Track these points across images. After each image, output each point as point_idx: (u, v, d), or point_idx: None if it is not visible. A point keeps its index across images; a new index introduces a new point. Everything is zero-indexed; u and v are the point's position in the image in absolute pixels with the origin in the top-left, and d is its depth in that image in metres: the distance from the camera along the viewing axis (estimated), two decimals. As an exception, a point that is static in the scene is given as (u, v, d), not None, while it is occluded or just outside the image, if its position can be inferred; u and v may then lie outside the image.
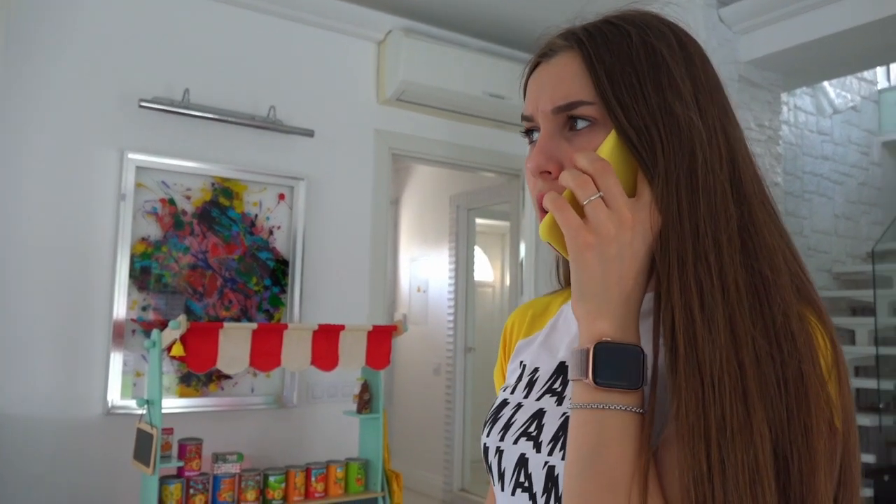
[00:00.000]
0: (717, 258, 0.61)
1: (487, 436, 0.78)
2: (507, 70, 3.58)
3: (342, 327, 2.73)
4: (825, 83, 5.04)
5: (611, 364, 0.60)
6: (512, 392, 0.80)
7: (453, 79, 3.42)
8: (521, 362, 0.83)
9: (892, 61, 4.97)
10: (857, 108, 5.51)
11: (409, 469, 5.03)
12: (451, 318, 5.18)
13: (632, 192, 0.64)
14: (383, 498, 2.82)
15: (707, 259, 0.61)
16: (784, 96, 4.43)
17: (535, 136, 0.74)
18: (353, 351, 2.75)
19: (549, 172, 0.70)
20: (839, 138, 5.29)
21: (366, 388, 2.91)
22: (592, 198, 0.62)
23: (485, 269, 6.68)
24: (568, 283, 0.88)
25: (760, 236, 0.64)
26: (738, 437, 0.56)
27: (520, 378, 0.81)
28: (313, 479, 2.72)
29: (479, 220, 5.50)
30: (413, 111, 3.56)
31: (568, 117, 0.69)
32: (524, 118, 0.74)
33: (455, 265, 5.22)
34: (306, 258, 3.20)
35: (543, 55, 0.73)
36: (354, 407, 2.92)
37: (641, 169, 0.65)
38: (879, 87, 5.77)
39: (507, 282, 6.39)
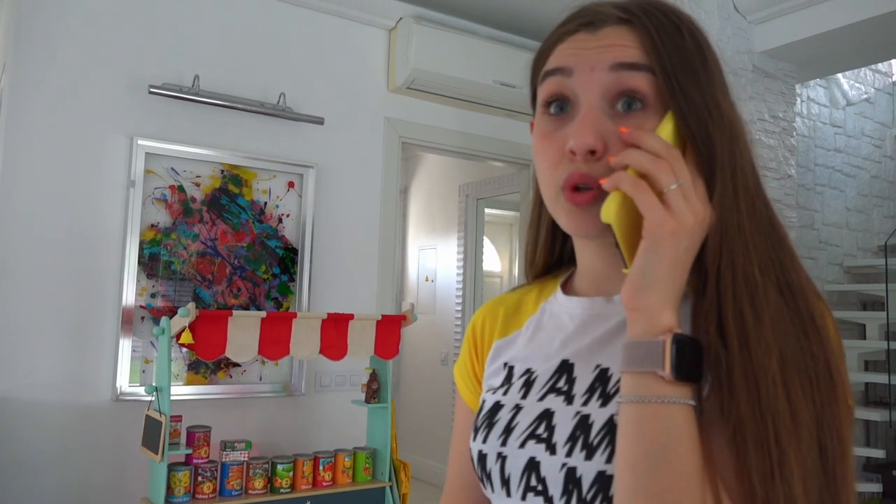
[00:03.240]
0: (758, 256, 0.62)
1: (484, 441, 0.73)
2: (517, 59, 3.54)
3: (351, 316, 2.72)
4: (839, 75, 4.99)
5: (686, 356, 0.59)
6: (504, 394, 0.76)
7: (463, 67, 3.40)
8: (506, 364, 0.79)
9: (908, 53, 4.90)
10: (871, 100, 5.45)
11: (416, 458, 5.03)
12: (459, 307, 5.17)
13: None
14: (391, 488, 2.82)
15: (753, 258, 0.61)
16: (797, 88, 4.38)
17: (556, 110, 0.69)
18: (361, 340, 2.74)
19: (593, 152, 0.65)
20: (852, 130, 5.25)
21: (374, 377, 2.90)
22: (674, 186, 0.60)
23: (493, 259, 6.66)
24: (537, 277, 0.85)
25: (781, 234, 0.65)
26: (791, 433, 0.57)
27: (509, 379, 0.77)
28: (321, 467, 2.72)
29: (487, 210, 5.48)
30: (423, 99, 3.54)
31: (619, 92, 0.65)
32: (555, 72, 0.68)
33: (463, 255, 5.21)
34: (315, 246, 3.19)
35: (587, 24, 0.68)
36: (363, 396, 2.91)
37: (695, 160, 0.63)
38: (894, 79, 5.70)
39: (515, 272, 6.38)
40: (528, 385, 0.75)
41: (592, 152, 0.65)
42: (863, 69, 5.28)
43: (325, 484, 2.72)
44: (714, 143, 0.63)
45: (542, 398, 0.72)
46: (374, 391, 2.89)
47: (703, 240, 0.62)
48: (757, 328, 0.59)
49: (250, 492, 2.58)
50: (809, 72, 3.86)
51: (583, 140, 0.64)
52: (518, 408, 0.73)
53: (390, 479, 2.83)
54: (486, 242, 5.73)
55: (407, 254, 5.87)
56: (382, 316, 2.80)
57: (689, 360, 0.59)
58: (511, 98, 3.56)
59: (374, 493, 2.79)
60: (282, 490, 2.62)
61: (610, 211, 0.62)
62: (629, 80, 0.65)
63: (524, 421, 0.72)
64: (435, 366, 5.33)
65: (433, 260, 5.56)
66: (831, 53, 3.51)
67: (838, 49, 3.43)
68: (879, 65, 5.44)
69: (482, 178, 5.12)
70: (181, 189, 2.91)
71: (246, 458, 2.60)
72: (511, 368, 0.78)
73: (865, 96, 5.39)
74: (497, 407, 0.75)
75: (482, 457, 0.73)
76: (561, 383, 0.72)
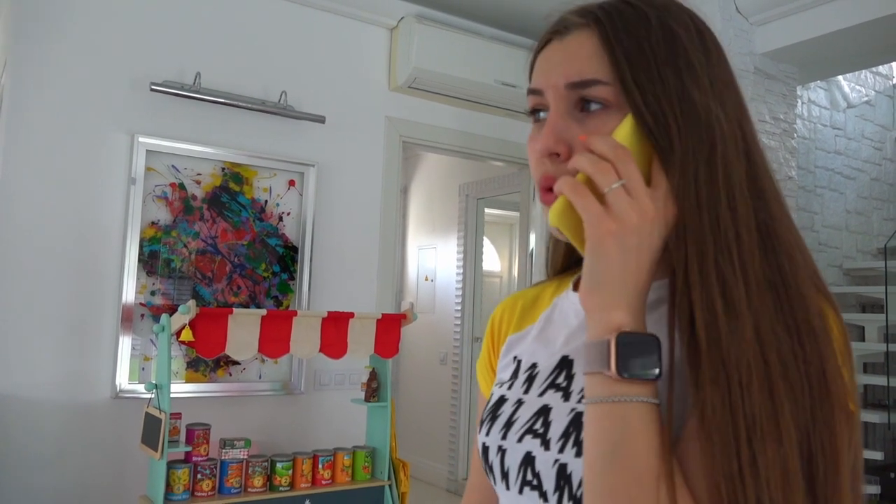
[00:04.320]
0: (738, 252, 0.60)
1: (487, 434, 0.75)
2: (518, 58, 3.54)
3: (351, 315, 2.72)
4: (840, 77, 4.99)
5: (633, 355, 0.58)
6: (509, 388, 0.77)
7: (465, 66, 3.40)
8: (516, 357, 0.80)
9: (909, 56, 4.91)
10: (872, 102, 5.45)
11: (414, 458, 5.03)
12: (459, 307, 5.17)
13: (646, 181, 0.62)
14: (390, 486, 2.82)
15: (729, 252, 0.59)
16: (798, 90, 4.39)
17: (542, 115, 0.72)
18: (361, 339, 2.74)
19: (558, 154, 0.67)
20: (852, 133, 5.25)
21: (374, 376, 2.90)
22: (615, 185, 0.60)
23: (492, 259, 6.66)
24: (557, 273, 0.86)
25: (777, 231, 0.63)
26: (768, 435, 0.55)
27: (515, 374, 0.79)
28: (320, 466, 2.72)
29: (487, 210, 5.48)
30: (424, 99, 3.54)
31: (580, 98, 0.67)
32: (531, 92, 0.72)
33: (463, 255, 5.21)
34: (315, 245, 3.19)
35: (556, 32, 0.70)
36: (362, 395, 2.91)
37: (657, 157, 0.63)
38: (895, 81, 5.71)
39: (515, 272, 6.38)
40: (530, 380, 0.76)
41: (557, 154, 0.67)
42: (863, 71, 5.28)
43: (324, 482, 2.72)
44: (673, 138, 0.62)
45: (542, 393, 0.73)
46: (373, 390, 2.89)
47: (664, 237, 0.61)
48: (730, 324, 0.57)
49: (249, 490, 2.58)
50: (810, 74, 3.86)
51: (542, 144, 0.68)
52: (520, 402, 0.74)
53: (389, 478, 2.83)
54: (486, 242, 5.73)
55: (407, 253, 5.87)
56: (382, 315, 2.80)
57: (638, 358, 0.58)
58: (512, 98, 3.56)
59: (374, 492, 2.79)
60: (281, 488, 2.62)
61: (554, 214, 0.64)
62: (586, 92, 0.66)
63: (524, 415, 0.73)
64: (434, 365, 5.33)
65: (433, 259, 5.56)
66: (832, 55, 3.51)
67: (839, 51, 3.43)
68: (880, 67, 5.44)
69: (482, 177, 5.12)
70: (182, 187, 2.91)
71: (245, 456, 2.60)
72: (519, 363, 0.79)
73: (866, 99, 5.39)
74: (501, 401, 0.77)
75: (486, 449, 0.74)
76: (560, 379, 0.73)
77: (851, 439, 0.59)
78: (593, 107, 0.66)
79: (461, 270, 5.20)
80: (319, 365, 3.16)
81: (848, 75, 5.10)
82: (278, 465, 2.63)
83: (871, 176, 5.36)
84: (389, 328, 2.81)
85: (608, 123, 0.65)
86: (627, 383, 0.58)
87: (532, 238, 4.05)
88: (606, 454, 0.58)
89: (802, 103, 4.78)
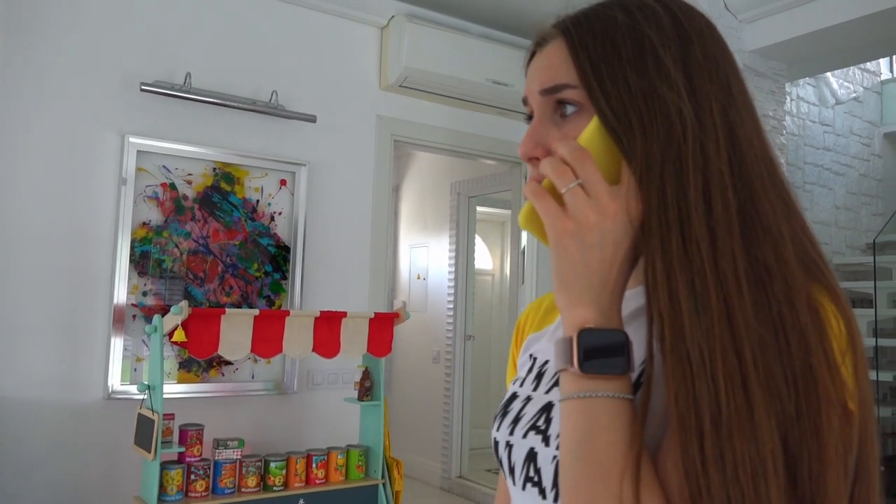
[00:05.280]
0: (710, 245, 0.59)
1: (497, 430, 0.76)
2: (509, 57, 3.55)
3: (344, 314, 2.72)
4: (828, 73, 5.03)
5: (596, 350, 0.59)
6: (521, 385, 0.79)
7: (456, 65, 3.40)
8: (532, 355, 0.82)
9: (896, 52, 4.94)
10: (860, 98, 5.49)
11: (408, 456, 5.04)
12: (451, 305, 5.17)
13: (616, 180, 0.63)
14: (384, 485, 2.82)
15: (699, 246, 0.58)
16: (787, 86, 4.41)
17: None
18: (354, 338, 2.74)
19: (538, 159, 0.70)
20: (841, 129, 5.28)
21: (367, 375, 2.90)
22: (570, 185, 0.61)
23: (484, 257, 6.67)
24: None
25: (764, 223, 0.61)
26: (736, 430, 0.54)
27: (530, 371, 0.80)
28: (314, 465, 2.72)
29: (479, 208, 5.49)
30: (415, 97, 3.54)
31: (557, 103, 0.69)
32: (523, 102, 0.75)
33: (455, 253, 5.21)
34: (307, 244, 3.19)
35: (538, 44, 0.73)
36: (355, 394, 2.92)
37: (622, 155, 0.63)
38: (882, 77, 5.75)
39: (507, 270, 6.39)
40: (540, 377, 0.77)
41: (538, 159, 0.70)
42: (851, 68, 5.32)
43: (317, 482, 2.72)
44: (635, 136, 0.62)
45: (548, 391, 0.74)
46: (366, 389, 2.89)
47: (631, 235, 0.61)
48: (695, 318, 0.57)
49: (243, 490, 2.58)
50: (799, 70, 3.89)
51: (522, 149, 0.71)
52: (528, 399, 0.76)
53: (383, 477, 2.83)
54: (478, 240, 5.74)
55: (398, 252, 5.87)
56: (375, 314, 2.81)
57: (602, 353, 0.59)
58: (503, 96, 3.56)
59: (367, 491, 2.80)
60: (275, 488, 2.62)
61: (522, 218, 0.68)
62: (559, 96, 0.69)
63: (530, 412, 0.74)
64: (427, 364, 5.34)
65: (425, 258, 5.56)
66: (821, 52, 3.54)
67: (827, 48, 3.45)
68: (868, 64, 5.48)
69: (474, 176, 5.13)
70: (173, 187, 2.90)
71: (239, 457, 2.59)
72: (534, 360, 0.81)
73: (854, 95, 5.43)
74: (513, 397, 0.79)
75: (496, 444, 0.76)
76: None
77: (850, 439, 0.57)
78: (569, 110, 0.68)
79: (453, 269, 5.21)
80: (312, 364, 3.16)
81: (836, 72, 5.13)
82: (272, 465, 2.63)
83: (859, 172, 5.40)
84: (382, 327, 2.81)
85: (582, 125, 0.67)
86: (592, 379, 0.59)
87: (524, 236, 4.06)
88: (574, 450, 0.59)
89: (791, 100, 4.81)
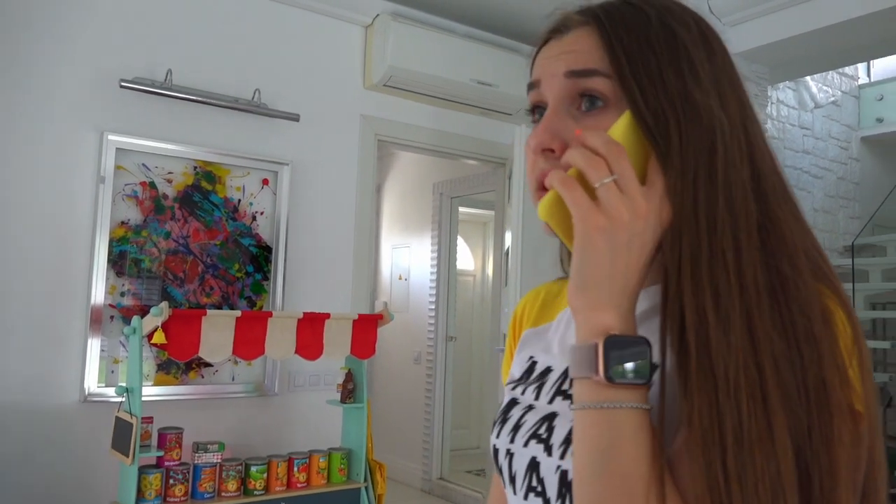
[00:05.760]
0: (735, 256, 0.58)
1: (497, 437, 0.74)
2: (494, 57, 3.54)
3: (327, 316, 2.69)
4: (807, 77, 5.08)
5: (622, 359, 0.56)
6: (521, 391, 0.77)
7: (440, 65, 3.38)
8: (531, 357, 0.80)
9: (874, 57, 5.01)
10: (838, 102, 5.56)
11: (388, 458, 5.00)
12: (433, 306, 5.15)
13: (642, 180, 0.61)
14: (366, 488, 2.80)
15: (724, 257, 0.57)
16: (768, 90, 4.45)
17: (536, 117, 0.71)
18: (338, 340, 2.71)
19: (553, 151, 0.66)
20: (820, 133, 5.34)
21: (350, 377, 2.87)
22: (606, 180, 0.58)
23: (466, 257, 6.65)
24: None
25: (780, 234, 0.61)
26: (757, 445, 0.53)
27: (528, 374, 0.78)
28: (296, 468, 2.69)
29: (461, 209, 5.47)
30: (399, 97, 3.51)
31: (579, 93, 0.65)
32: (531, 86, 0.70)
33: (437, 254, 5.19)
34: (290, 244, 3.15)
35: (556, 31, 0.69)
36: (338, 396, 2.88)
37: (655, 156, 0.61)
38: (860, 82, 5.82)
39: (489, 271, 6.38)
40: (541, 385, 0.75)
41: (552, 151, 0.66)
42: (830, 72, 5.37)
43: (299, 485, 2.68)
44: (672, 137, 0.61)
45: (551, 400, 0.72)
46: (349, 391, 2.86)
47: (657, 238, 0.59)
48: (721, 331, 0.55)
49: (223, 494, 2.54)
50: (781, 74, 3.92)
51: (537, 138, 0.66)
52: (530, 407, 0.74)
53: (366, 480, 2.80)
54: (460, 241, 5.73)
55: (380, 252, 5.84)
56: (359, 315, 2.78)
57: (629, 363, 0.56)
58: (488, 96, 3.55)
59: (350, 494, 2.77)
60: (255, 492, 2.58)
61: (543, 208, 0.63)
62: (584, 83, 0.65)
63: (531, 420, 0.72)
64: (408, 365, 5.31)
65: (406, 258, 5.54)
66: (801, 56, 3.57)
67: (809, 52, 3.48)
68: (846, 68, 5.54)
69: (456, 176, 5.11)
70: (152, 185, 2.85)
71: (219, 460, 2.55)
72: (534, 364, 0.79)
73: (832, 99, 5.49)
74: (512, 403, 0.76)
75: (496, 451, 0.74)
76: (566, 385, 0.72)
77: (860, 453, 0.57)
78: (594, 104, 0.65)
79: (435, 269, 5.18)
80: (294, 366, 3.12)
81: (815, 76, 5.18)
82: (253, 469, 2.60)
83: (837, 175, 5.46)
84: (366, 329, 2.79)
85: (605, 123, 0.63)
86: (616, 389, 0.56)
87: (508, 237, 4.05)
88: (595, 462, 0.56)
89: (772, 103, 4.85)
